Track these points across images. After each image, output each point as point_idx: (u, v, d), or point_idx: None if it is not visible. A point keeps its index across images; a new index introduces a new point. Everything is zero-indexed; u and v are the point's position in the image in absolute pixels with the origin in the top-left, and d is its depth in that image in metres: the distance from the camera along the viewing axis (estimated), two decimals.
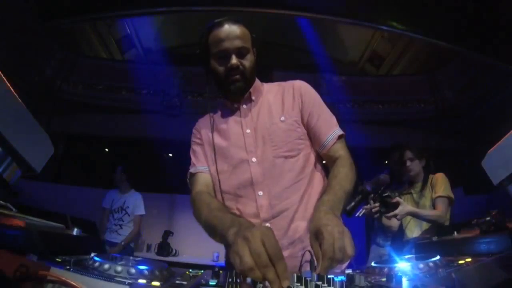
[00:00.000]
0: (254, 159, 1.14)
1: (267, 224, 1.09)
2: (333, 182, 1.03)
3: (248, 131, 1.18)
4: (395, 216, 2.26)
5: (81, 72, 6.10)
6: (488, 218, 0.97)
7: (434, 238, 1.21)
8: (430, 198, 2.55)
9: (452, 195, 2.47)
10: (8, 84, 0.58)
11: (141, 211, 3.96)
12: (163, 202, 5.16)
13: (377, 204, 2.28)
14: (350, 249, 0.77)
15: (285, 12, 4.67)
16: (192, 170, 1.25)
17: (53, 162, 5.98)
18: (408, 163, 2.69)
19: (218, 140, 1.21)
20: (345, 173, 1.07)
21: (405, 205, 2.29)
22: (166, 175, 6.70)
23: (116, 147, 6.85)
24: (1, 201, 0.72)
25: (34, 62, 5.38)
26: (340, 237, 0.78)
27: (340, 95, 5.94)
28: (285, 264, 0.64)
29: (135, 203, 3.95)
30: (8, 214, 0.70)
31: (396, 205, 2.24)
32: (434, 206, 2.48)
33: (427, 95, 6.26)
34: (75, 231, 0.86)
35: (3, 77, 0.57)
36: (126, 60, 7.76)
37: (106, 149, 7.14)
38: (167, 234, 4.54)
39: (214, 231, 0.94)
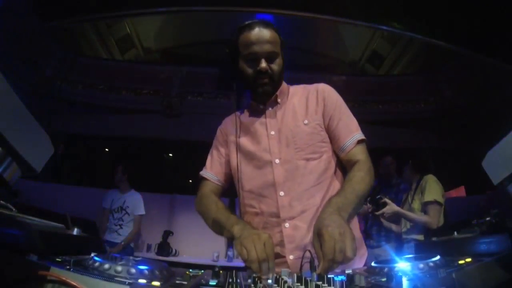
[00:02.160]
0: (277, 161, 1.17)
1: (287, 224, 1.12)
2: (346, 185, 1.06)
3: (272, 132, 1.21)
4: (382, 214, 2.64)
5: (81, 72, 6.11)
6: (488, 218, 0.97)
7: (434, 238, 1.21)
8: (419, 201, 2.66)
9: (440, 199, 2.55)
10: (8, 84, 0.58)
11: (141, 211, 3.96)
12: (163, 202, 5.16)
13: (369, 205, 2.70)
14: (350, 252, 0.79)
15: (285, 12, 4.67)
16: (202, 173, 1.33)
17: (53, 162, 5.99)
18: (392, 168, 3.07)
19: (243, 141, 1.24)
20: (360, 177, 1.08)
21: (393, 205, 2.63)
22: (166, 175, 6.72)
23: (116, 147, 6.86)
24: (1, 201, 0.72)
25: (34, 62, 5.38)
26: (341, 239, 0.80)
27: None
28: (273, 263, 0.90)
29: (135, 203, 3.95)
30: (8, 214, 0.70)
31: (384, 204, 2.62)
32: (424, 211, 2.58)
33: (427, 95, 6.27)
34: (75, 231, 0.86)
35: (3, 77, 0.57)
36: (126, 60, 7.77)
37: (106, 149, 7.14)
38: (167, 234, 4.53)
39: (219, 226, 1.11)
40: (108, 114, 6.33)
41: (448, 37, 4.58)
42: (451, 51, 4.93)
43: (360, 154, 1.16)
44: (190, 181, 6.92)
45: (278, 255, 1.09)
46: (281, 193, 1.13)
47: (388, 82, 6.80)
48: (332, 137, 1.20)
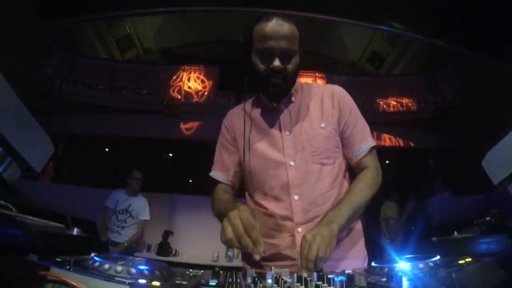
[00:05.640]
0: (292, 163, 1.11)
1: (299, 229, 1.08)
2: (345, 196, 1.07)
3: (287, 133, 1.15)
4: None
5: (81, 72, 6.11)
6: (488, 218, 0.97)
7: (434, 238, 1.21)
8: None
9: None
10: (8, 84, 0.58)
11: (146, 216, 3.93)
12: (163, 202, 5.16)
13: None
14: (322, 251, 0.85)
15: (285, 12, 4.67)
16: (212, 174, 1.26)
17: (53, 162, 5.99)
18: None
19: (255, 140, 1.17)
20: (359, 188, 1.08)
21: None
22: (166, 175, 6.72)
23: (116, 147, 6.86)
24: (1, 201, 0.72)
25: (34, 62, 5.38)
26: (314, 241, 0.87)
27: None
28: (256, 232, 0.84)
29: (141, 208, 3.92)
30: (8, 214, 0.70)
31: None
32: None
33: (427, 95, 6.27)
34: (75, 231, 0.86)
35: (3, 77, 0.57)
36: (126, 60, 7.77)
37: (106, 149, 7.14)
38: (167, 234, 4.53)
39: (221, 219, 1.00)
40: (108, 114, 6.33)
41: (448, 37, 4.58)
42: (451, 51, 4.93)
43: (370, 162, 1.15)
44: (190, 181, 6.92)
45: (288, 257, 1.08)
46: (296, 197, 1.09)
47: (388, 82, 6.80)
48: (346, 143, 1.17)
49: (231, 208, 0.94)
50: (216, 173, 1.25)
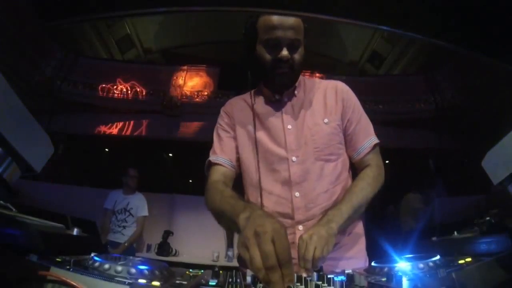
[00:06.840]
0: (294, 158, 1.08)
1: (300, 227, 1.06)
2: (346, 196, 1.04)
3: (289, 127, 1.12)
4: None
5: (81, 72, 6.11)
6: (488, 218, 0.97)
7: (434, 238, 1.21)
8: None
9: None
10: (8, 84, 0.58)
11: (145, 212, 3.96)
12: (163, 202, 5.16)
13: None
14: (318, 251, 0.85)
15: (285, 12, 4.67)
16: (212, 158, 1.15)
17: (53, 162, 5.96)
18: None
19: (258, 132, 1.13)
20: (360, 187, 1.06)
21: None
22: (166, 175, 6.72)
23: (116, 147, 6.86)
24: (1, 201, 0.72)
25: (34, 62, 5.38)
26: (310, 241, 0.86)
27: None
28: (291, 267, 0.65)
29: (139, 204, 3.94)
30: (8, 214, 0.70)
31: None
32: None
33: (427, 95, 6.27)
34: (75, 231, 0.86)
35: (3, 77, 0.57)
36: (126, 60, 7.77)
37: (106, 149, 7.14)
38: (167, 234, 4.54)
39: (224, 217, 0.90)
40: (108, 114, 6.33)
41: (448, 37, 4.58)
42: (450, 51, 4.93)
43: (372, 160, 1.14)
44: (190, 181, 6.92)
45: None
46: (297, 194, 1.06)
47: (388, 82, 6.80)
48: (349, 140, 1.15)
49: (242, 208, 0.80)
50: (218, 157, 1.15)
